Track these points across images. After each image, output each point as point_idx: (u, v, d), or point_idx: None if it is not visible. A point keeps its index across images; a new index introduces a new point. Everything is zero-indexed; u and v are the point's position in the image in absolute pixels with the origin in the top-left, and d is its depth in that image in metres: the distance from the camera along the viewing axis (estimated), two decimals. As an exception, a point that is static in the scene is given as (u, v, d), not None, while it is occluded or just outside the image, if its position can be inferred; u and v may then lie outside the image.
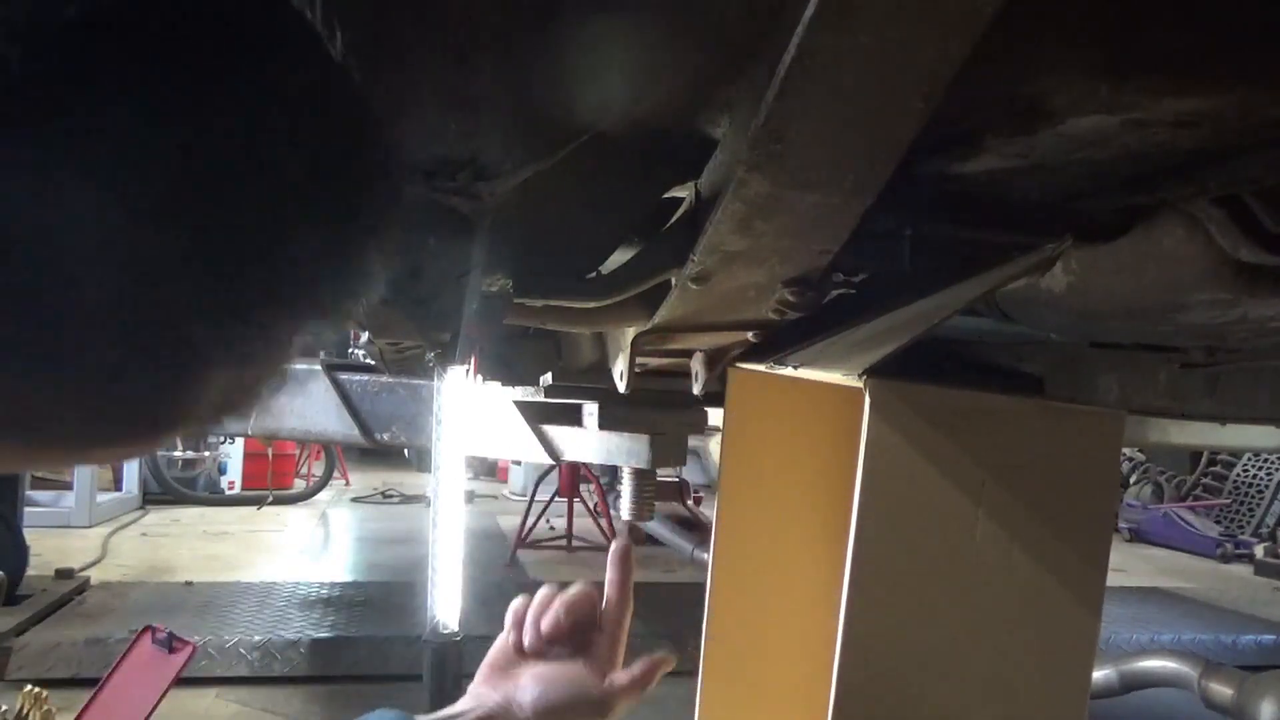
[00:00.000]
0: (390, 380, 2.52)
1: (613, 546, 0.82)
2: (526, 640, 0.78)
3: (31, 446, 0.39)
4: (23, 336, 0.34)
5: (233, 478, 6.78)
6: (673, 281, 0.82)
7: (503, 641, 0.80)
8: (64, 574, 3.65)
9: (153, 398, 0.38)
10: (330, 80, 0.42)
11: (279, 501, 6.46)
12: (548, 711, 0.77)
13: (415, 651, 2.82)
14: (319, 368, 2.62)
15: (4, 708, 2.20)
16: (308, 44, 0.41)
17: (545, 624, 0.77)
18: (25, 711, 1.97)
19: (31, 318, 0.34)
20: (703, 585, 1.12)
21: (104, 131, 0.34)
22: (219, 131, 0.36)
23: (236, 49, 0.37)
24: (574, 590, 0.79)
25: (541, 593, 0.80)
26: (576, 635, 0.79)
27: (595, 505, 5.48)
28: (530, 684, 0.77)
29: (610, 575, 0.81)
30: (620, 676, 0.79)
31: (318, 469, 7.28)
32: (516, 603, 0.80)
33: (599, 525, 5.25)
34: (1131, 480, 7.17)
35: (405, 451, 8.10)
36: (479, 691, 0.79)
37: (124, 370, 0.36)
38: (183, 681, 2.45)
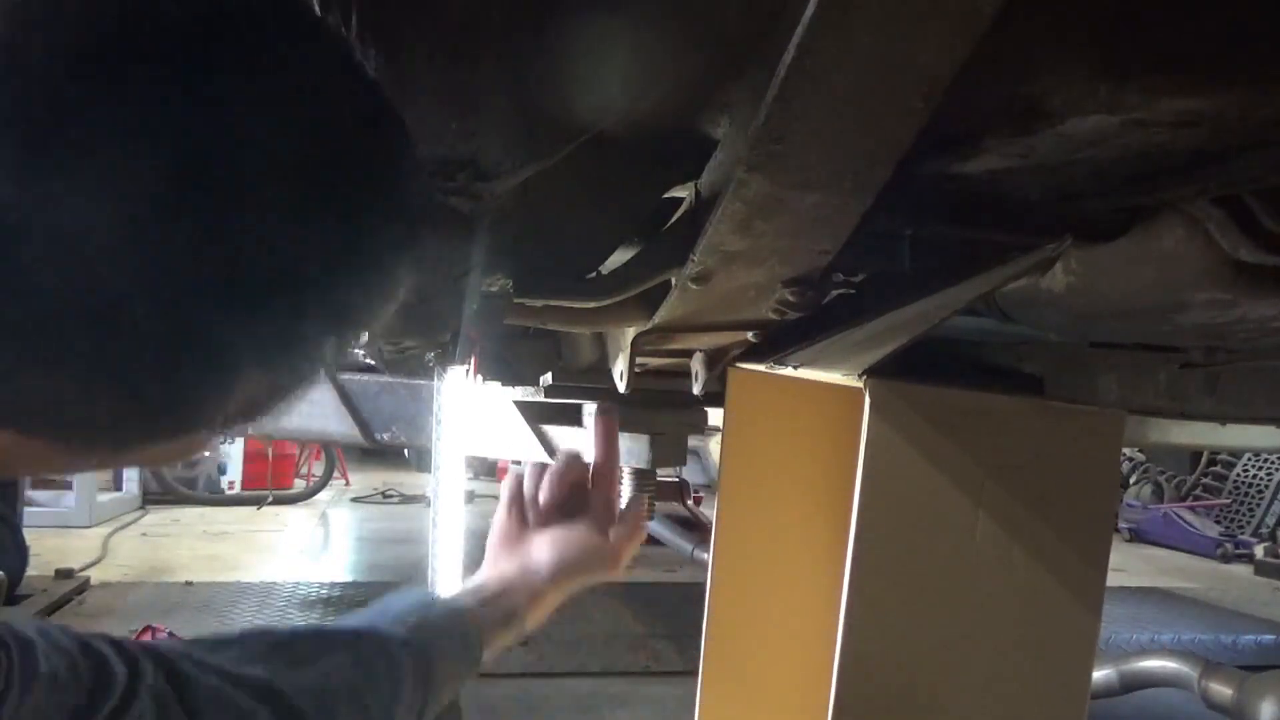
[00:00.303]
0: (390, 380, 2.52)
1: (595, 409, 0.85)
2: (530, 516, 0.82)
3: (64, 443, 0.39)
4: (48, 335, 0.35)
5: (233, 478, 6.78)
6: (673, 281, 0.82)
7: (502, 518, 0.83)
8: (64, 574, 3.65)
9: (181, 393, 0.39)
10: (360, 87, 0.43)
11: (279, 501, 6.46)
12: (563, 572, 0.82)
13: (415, 651, 2.82)
14: (319, 368, 2.62)
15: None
16: (342, 59, 0.43)
17: (543, 497, 0.81)
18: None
19: (56, 315, 0.35)
20: (703, 585, 1.12)
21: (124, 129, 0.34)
22: (236, 127, 0.37)
23: (260, 52, 0.38)
24: (561, 459, 0.82)
25: (529, 469, 0.83)
26: (572, 499, 0.82)
27: (595, 505, 5.47)
28: (542, 549, 0.81)
29: (596, 436, 0.84)
30: (618, 529, 0.83)
31: (318, 469, 7.28)
32: (508, 482, 0.84)
33: (599, 525, 5.25)
34: (1131, 480, 7.16)
35: (405, 451, 8.10)
36: (494, 563, 0.82)
37: (156, 366, 0.38)
38: (183, 681, 2.44)
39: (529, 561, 0.81)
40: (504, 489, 0.84)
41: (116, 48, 0.35)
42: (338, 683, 0.68)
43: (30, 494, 4.39)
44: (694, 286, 0.77)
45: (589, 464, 0.84)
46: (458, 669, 0.76)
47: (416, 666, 0.72)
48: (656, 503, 2.29)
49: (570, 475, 0.83)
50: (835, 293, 0.83)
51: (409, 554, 4.68)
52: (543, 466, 0.83)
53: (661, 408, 1.96)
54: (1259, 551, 5.62)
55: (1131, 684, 2.36)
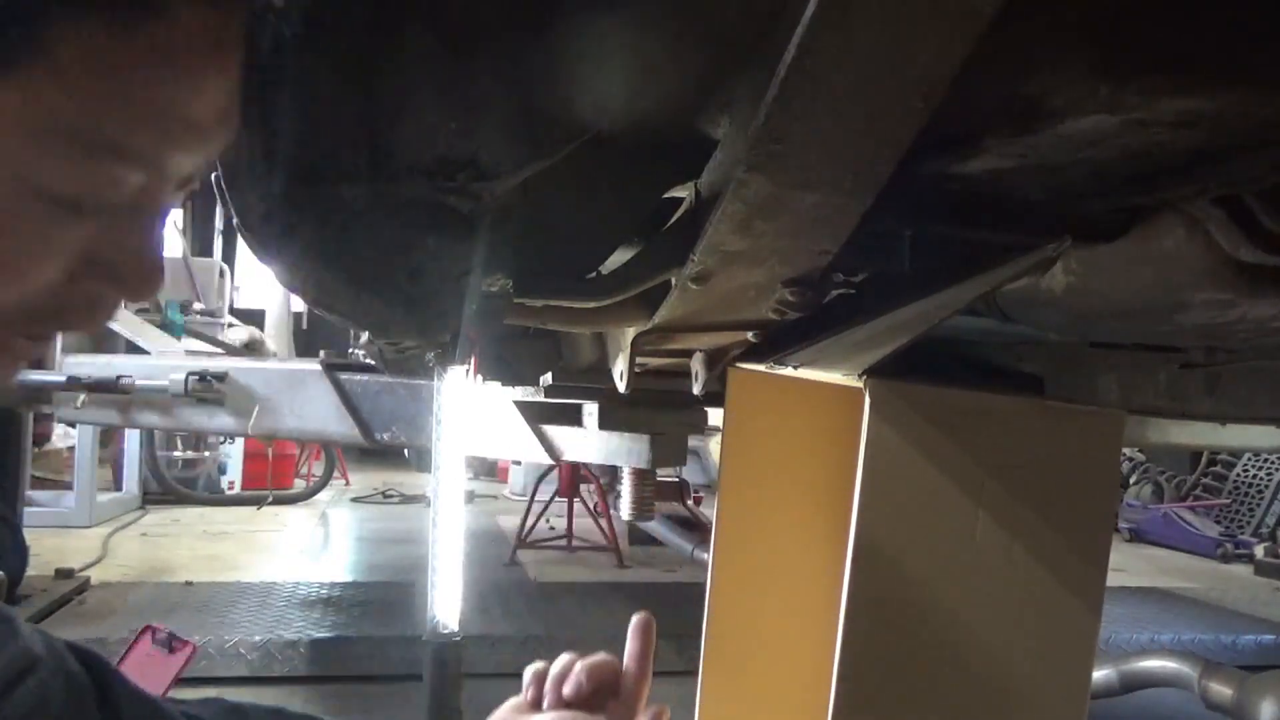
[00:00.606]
0: (390, 380, 2.52)
1: (634, 620, 0.81)
2: (546, 700, 0.78)
3: None
4: None
5: (233, 478, 6.78)
6: (673, 281, 0.82)
7: (517, 699, 0.80)
8: (64, 574, 3.66)
9: None
10: None
11: (279, 501, 6.45)
12: None
13: (415, 651, 2.83)
14: (319, 368, 2.62)
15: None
16: None
17: (567, 688, 0.78)
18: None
19: None
20: (703, 585, 1.12)
21: None
22: None
23: None
24: (596, 657, 0.79)
25: (561, 659, 0.80)
26: (595, 702, 0.78)
27: (595, 505, 5.48)
28: None
29: (631, 647, 0.81)
30: None
31: (318, 469, 7.28)
32: (535, 666, 0.80)
33: (599, 525, 5.25)
34: (1131, 480, 7.16)
35: (405, 451, 8.11)
36: None
37: None
38: (183, 681, 2.45)
39: None
40: (530, 670, 0.80)
41: None
42: None
43: (30, 494, 4.39)
44: (694, 286, 0.77)
45: (620, 668, 0.81)
46: None
47: None
48: (657, 503, 2.29)
49: (601, 675, 0.79)
50: (835, 293, 0.83)
51: (409, 554, 4.68)
52: (576, 658, 0.80)
53: (661, 408, 1.96)
54: (1259, 551, 5.62)
55: (1131, 684, 2.36)
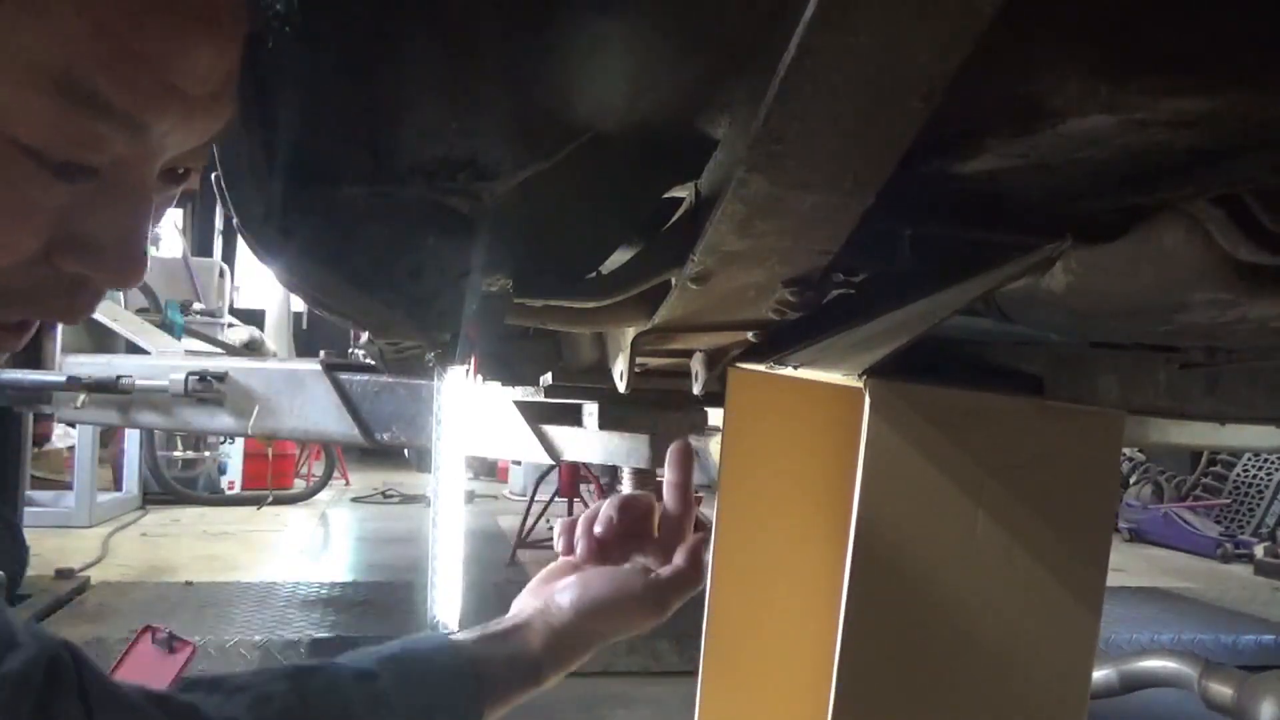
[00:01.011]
0: (390, 380, 2.52)
1: (671, 448, 0.76)
2: (579, 548, 0.73)
3: None
4: None
5: (233, 478, 6.78)
6: (673, 281, 0.82)
7: (555, 563, 0.75)
8: (64, 574, 3.66)
9: None
10: None
11: (279, 501, 6.45)
12: (589, 611, 0.72)
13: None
14: (319, 368, 2.62)
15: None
16: None
17: (598, 527, 0.72)
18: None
19: None
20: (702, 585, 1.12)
21: None
22: None
23: None
24: (627, 494, 0.74)
25: (593, 506, 0.76)
26: (631, 544, 0.73)
27: (595, 505, 5.48)
28: (570, 585, 0.73)
29: (669, 477, 0.76)
30: (665, 570, 0.73)
31: (318, 469, 7.28)
32: (565, 519, 0.76)
33: (599, 525, 5.25)
34: (1131, 480, 7.16)
35: (405, 451, 8.10)
36: (520, 602, 0.75)
37: None
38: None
39: (553, 598, 0.72)
40: (560, 524, 0.75)
41: None
42: (269, 712, 0.64)
43: (30, 494, 4.39)
44: (694, 286, 0.77)
45: (654, 505, 0.75)
46: (440, 705, 0.69)
47: (376, 701, 0.66)
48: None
49: (633, 510, 0.73)
50: (835, 293, 0.83)
51: (409, 554, 4.68)
52: (602, 502, 0.75)
53: (661, 408, 1.96)
54: (1259, 551, 5.62)
55: (1131, 684, 2.36)
